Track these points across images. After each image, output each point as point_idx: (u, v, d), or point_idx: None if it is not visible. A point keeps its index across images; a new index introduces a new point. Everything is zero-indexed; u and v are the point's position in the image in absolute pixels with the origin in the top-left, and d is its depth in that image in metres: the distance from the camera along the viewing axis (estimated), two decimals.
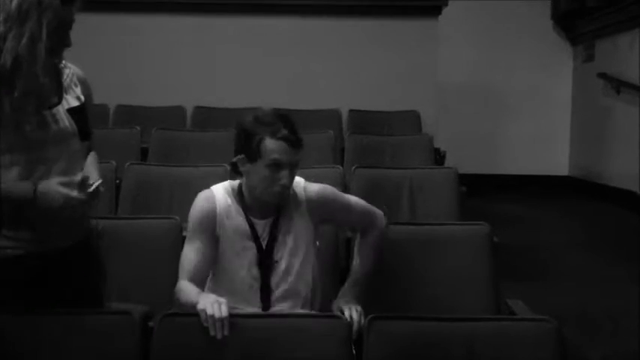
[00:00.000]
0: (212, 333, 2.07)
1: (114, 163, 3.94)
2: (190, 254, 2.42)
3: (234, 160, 2.43)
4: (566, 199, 7.24)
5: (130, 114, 5.49)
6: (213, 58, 5.82)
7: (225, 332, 2.08)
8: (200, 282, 2.40)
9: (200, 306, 2.13)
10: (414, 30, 5.74)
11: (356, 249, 2.63)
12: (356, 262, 2.60)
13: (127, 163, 3.94)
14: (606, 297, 4.27)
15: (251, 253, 2.44)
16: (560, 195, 7.39)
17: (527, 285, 4.10)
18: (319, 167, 3.93)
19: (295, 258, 2.46)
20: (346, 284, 2.56)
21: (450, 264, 2.79)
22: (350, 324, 2.20)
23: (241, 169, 2.42)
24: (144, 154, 4.68)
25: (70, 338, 2.08)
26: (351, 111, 5.54)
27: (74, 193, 2.01)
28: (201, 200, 2.47)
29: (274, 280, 2.44)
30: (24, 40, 1.98)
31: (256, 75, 5.62)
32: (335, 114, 5.50)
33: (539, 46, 7.91)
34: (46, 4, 2.00)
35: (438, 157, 5.02)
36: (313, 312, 2.39)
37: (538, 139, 7.94)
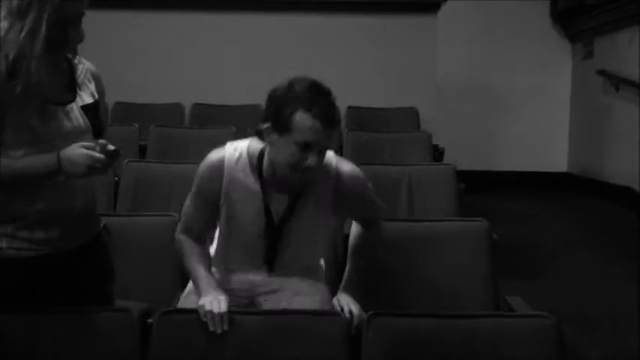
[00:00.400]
0: (211, 328, 2.07)
1: None
2: (191, 209, 2.39)
3: (261, 127, 2.22)
4: (564, 195, 7.24)
5: (128, 111, 5.49)
6: (211, 55, 5.82)
7: (225, 327, 2.07)
8: (197, 238, 2.38)
9: (200, 302, 2.13)
10: (412, 27, 5.74)
11: (354, 244, 2.55)
12: (355, 259, 2.54)
13: (126, 161, 3.94)
14: (605, 295, 4.27)
15: (260, 223, 2.34)
16: (558, 192, 7.40)
17: (525, 282, 4.11)
18: None
19: (307, 235, 2.39)
20: (344, 282, 2.52)
21: (448, 260, 2.79)
22: (349, 320, 2.20)
23: (266, 138, 2.23)
24: (142, 152, 4.68)
25: (69, 335, 2.08)
26: (349, 107, 5.53)
27: (97, 154, 1.99)
28: (210, 162, 2.34)
29: (281, 253, 2.38)
30: (23, 34, 1.98)
31: (254, 72, 5.61)
32: None
33: (538, 43, 7.91)
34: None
35: (437, 154, 5.02)
36: (313, 308, 2.38)
37: (537, 136, 7.94)
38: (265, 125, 2.20)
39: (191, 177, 3.89)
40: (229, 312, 2.11)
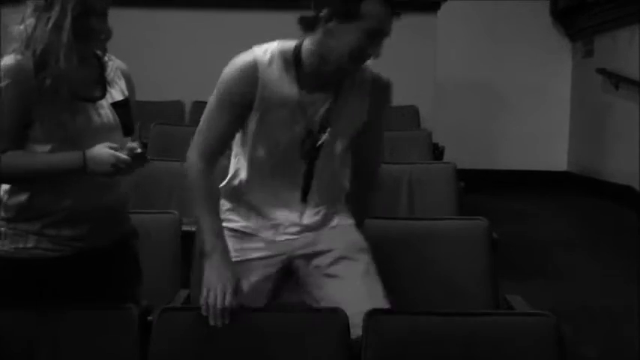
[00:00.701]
0: (211, 322, 2.05)
1: None
2: (211, 124, 2.18)
3: (317, 14, 2.06)
4: (564, 194, 7.24)
5: None
6: (212, 53, 5.80)
7: (226, 321, 2.04)
8: (210, 157, 2.18)
9: (204, 287, 2.08)
10: (412, 25, 5.73)
11: (357, 197, 2.39)
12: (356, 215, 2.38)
13: None
14: (605, 293, 4.27)
15: (299, 130, 2.16)
16: (558, 191, 7.40)
17: (525, 281, 4.11)
18: None
19: (342, 144, 2.23)
20: None
21: (448, 259, 2.79)
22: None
23: (320, 27, 2.06)
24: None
25: (69, 333, 2.08)
26: None
27: (123, 155, 2.01)
28: (241, 64, 2.13)
29: (318, 175, 2.22)
30: (49, 27, 2.00)
31: None
32: None
33: (538, 41, 7.91)
34: None
35: (437, 152, 5.02)
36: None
37: (537, 135, 7.94)
38: (323, 11, 2.04)
39: None
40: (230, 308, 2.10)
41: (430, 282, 2.77)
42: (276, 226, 2.28)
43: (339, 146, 2.23)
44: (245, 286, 2.21)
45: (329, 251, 2.28)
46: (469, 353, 2.04)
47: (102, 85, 2.17)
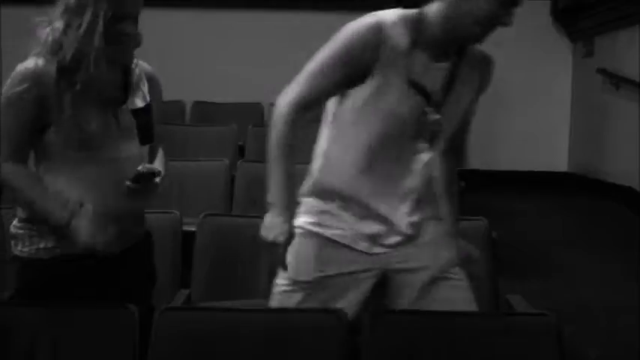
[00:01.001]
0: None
1: None
2: (312, 80, 2.01)
3: None
4: (565, 195, 7.24)
5: None
6: (212, 53, 5.82)
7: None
8: (301, 111, 2.00)
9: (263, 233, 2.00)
10: None
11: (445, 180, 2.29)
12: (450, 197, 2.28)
13: None
14: (605, 293, 4.27)
15: (415, 105, 2.01)
16: (559, 191, 7.39)
17: (526, 280, 4.10)
18: None
19: (451, 126, 2.12)
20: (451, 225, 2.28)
21: None
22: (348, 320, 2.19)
23: None
24: None
25: (69, 333, 2.08)
26: None
27: (104, 238, 2.02)
28: (367, 24, 1.98)
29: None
30: (81, 31, 1.98)
31: (255, 70, 5.61)
32: None
33: (538, 41, 7.90)
34: None
35: None
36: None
37: (537, 135, 7.93)
38: None
39: (191, 174, 3.92)
40: (229, 310, 2.10)
41: None
42: (373, 237, 2.12)
43: (447, 128, 2.10)
44: (340, 302, 2.11)
45: (424, 268, 2.14)
46: (469, 353, 2.04)
47: (125, 90, 2.15)
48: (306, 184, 2.16)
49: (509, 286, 2.98)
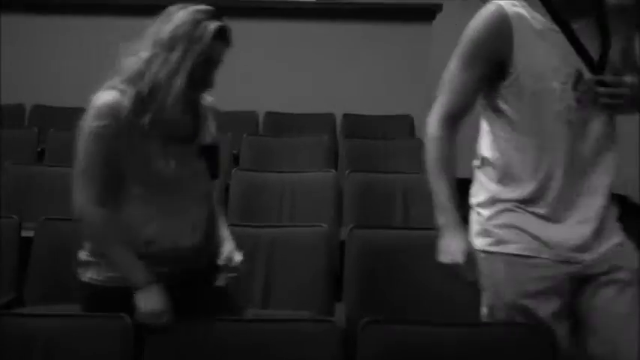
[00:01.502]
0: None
1: None
2: (451, 87, 1.98)
3: None
4: None
5: None
6: None
7: None
8: (452, 122, 1.99)
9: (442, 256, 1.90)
10: (407, 34, 5.75)
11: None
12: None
13: None
14: None
15: (568, 71, 1.84)
16: None
17: None
18: (313, 171, 3.94)
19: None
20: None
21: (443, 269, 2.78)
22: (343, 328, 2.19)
23: None
24: None
25: (63, 342, 2.08)
26: (345, 115, 5.54)
27: (164, 317, 2.02)
28: (487, 15, 1.93)
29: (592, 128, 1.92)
30: (166, 69, 1.97)
31: (250, 79, 5.61)
32: (329, 118, 5.50)
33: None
34: (197, 36, 1.99)
35: None
36: (307, 314, 2.35)
37: None
38: None
39: None
40: (222, 320, 2.09)
41: (425, 291, 2.76)
42: (560, 244, 1.93)
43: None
44: (543, 314, 1.95)
45: (619, 269, 1.95)
46: None
47: (194, 128, 2.14)
48: (477, 198, 2.06)
49: None
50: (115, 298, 2.08)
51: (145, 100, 1.97)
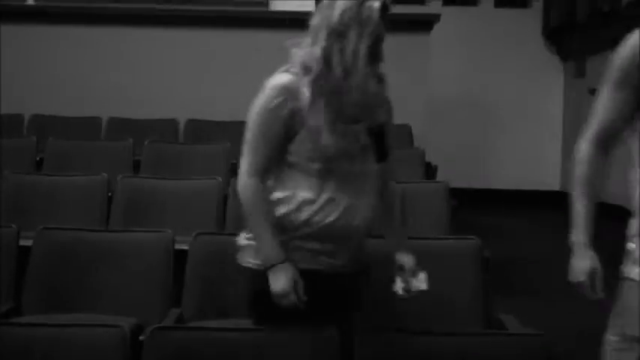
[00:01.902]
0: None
1: (106, 175, 3.95)
2: (602, 108, 2.03)
3: None
4: (558, 214, 7.24)
5: (122, 126, 5.49)
6: (206, 72, 5.83)
7: None
8: (603, 143, 2.05)
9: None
10: (405, 45, 5.77)
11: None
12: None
13: (119, 176, 3.94)
14: (599, 314, 4.26)
15: None
16: (552, 210, 7.40)
17: (522, 300, 4.10)
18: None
19: None
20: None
21: (440, 278, 2.78)
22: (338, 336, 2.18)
23: None
24: (136, 167, 4.68)
25: (60, 350, 2.08)
26: None
27: (292, 297, 2.04)
28: (630, 42, 1.93)
29: None
30: (346, 54, 2.03)
31: (248, 88, 5.62)
32: None
33: (529, 61, 7.96)
34: (365, 17, 2.05)
35: (430, 171, 5.03)
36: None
37: (529, 154, 7.97)
38: None
39: (184, 192, 3.91)
40: (220, 329, 2.09)
41: (422, 301, 2.76)
42: None
43: None
44: None
45: None
46: None
47: (367, 107, 2.16)
48: (634, 226, 2.06)
49: (505, 305, 2.97)
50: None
51: (338, 86, 2.04)
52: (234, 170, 4.64)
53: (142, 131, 5.26)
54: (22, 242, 3.02)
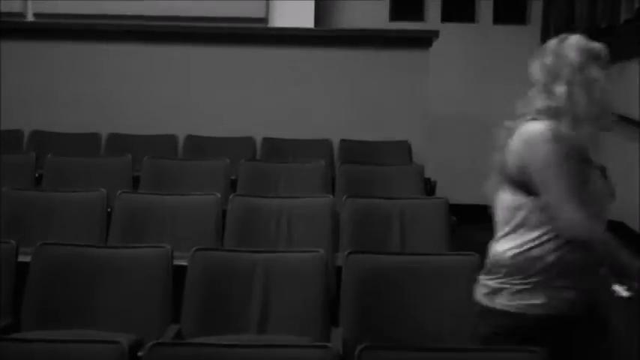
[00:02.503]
0: None
1: (105, 191, 3.95)
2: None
3: None
4: None
5: (121, 142, 5.50)
6: (205, 88, 5.85)
7: None
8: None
9: None
10: (405, 61, 5.79)
11: None
12: None
13: (119, 192, 3.94)
14: None
15: None
16: None
17: None
18: (310, 196, 3.94)
19: None
20: None
21: (439, 294, 2.79)
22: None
23: None
24: (135, 183, 4.69)
25: None
26: (342, 141, 5.56)
27: None
28: None
29: None
30: (585, 102, 2.11)
31: (248, 105, 5.64)
32: (326, 144, 5.52)
33: (528, 77, 7.97)
34: (592, 69, 2.19)
35: (429, 187, 5.03)
36: (304, 340, 2.34)
37: None
38: None
39: (183, 208, 3.92)
40: (219, 345, 2.09)
41: (421, 316, 2.77)
42: None
43: None
44: None
45: None
46: None
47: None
48: None
49: None
50: (534, 327, 2.08)
51: (576, 130, 2.07)
52: (233, 186, 4.67)
53: (141, 147, 5.27)
54: (21, 258, 3.02)
